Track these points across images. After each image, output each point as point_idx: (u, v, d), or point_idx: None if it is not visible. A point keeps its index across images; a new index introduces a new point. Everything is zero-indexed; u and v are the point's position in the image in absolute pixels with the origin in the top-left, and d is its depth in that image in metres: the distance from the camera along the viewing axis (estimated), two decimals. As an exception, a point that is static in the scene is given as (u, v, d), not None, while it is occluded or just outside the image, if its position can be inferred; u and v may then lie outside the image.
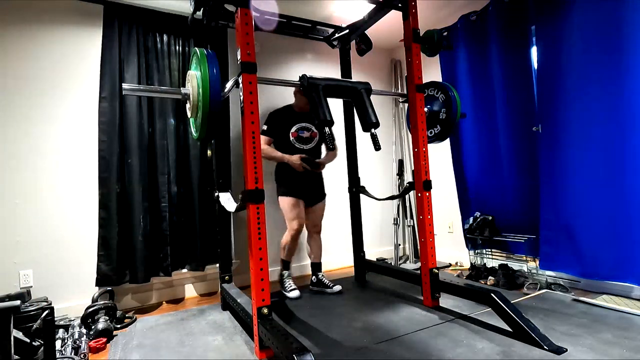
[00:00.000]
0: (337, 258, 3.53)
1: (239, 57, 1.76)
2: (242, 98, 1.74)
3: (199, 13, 2.34)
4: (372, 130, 2.13)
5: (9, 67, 2.39)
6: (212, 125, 1.72)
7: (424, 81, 2.34)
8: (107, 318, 2.18)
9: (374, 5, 2.52)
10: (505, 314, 1.83)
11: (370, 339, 1.84)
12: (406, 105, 2.53)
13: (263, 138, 2.51)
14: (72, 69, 2.57)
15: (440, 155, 3.33)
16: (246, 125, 1.71)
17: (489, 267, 2.90)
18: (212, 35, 2.57)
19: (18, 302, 1.44)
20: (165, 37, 2.80)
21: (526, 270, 2.70)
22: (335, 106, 2.65)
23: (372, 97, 2.21)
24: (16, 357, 1.58)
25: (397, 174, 3.83)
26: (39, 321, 1.68)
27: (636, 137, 2.08)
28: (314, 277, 2.73)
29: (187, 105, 1.84)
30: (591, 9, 2.22)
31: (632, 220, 2.11)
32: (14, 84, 2.40)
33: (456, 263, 3.36)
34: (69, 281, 2.47)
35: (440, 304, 2.26)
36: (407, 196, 3.65)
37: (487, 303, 1.95)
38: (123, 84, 1.78)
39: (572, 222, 2.37)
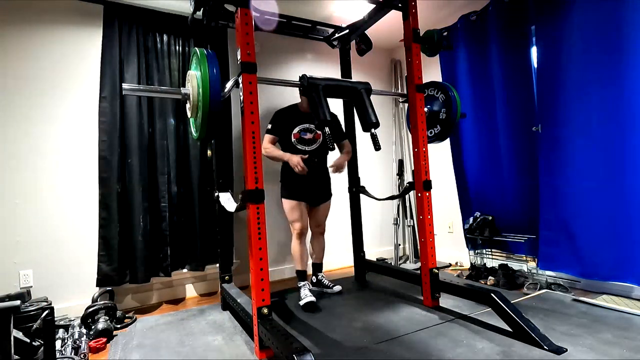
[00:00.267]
0: (337, 258, 3.53)
1: (239, 57, 1.76)
2: (242, 98, 1.74)
3: (199, 13, 2.34)
4: (372, 130, 2.13)
5: (9, 67, 2.39)
6: (212, 125, 1.72)
7: (424, 81, 2.34)
8: (107, 318, 2.18)
9: (374, 5, 2.52)
10: (505, 314, 1.83)
11: (370, 339, 1.84)
12: (406, 105, 2.53)
13: (267, 137, 2.48)
14: (72, 69, 2.57)
15: (440, 155, 3.33)
16: (246, 125, 1.71)
17: (489, 267, 2.90)
18: (212, 35, 2.57)
19: (18, 302, 1.44)
20: (165, 37, 2.80)
21: (526, 270, 2.70)
22: (336, 106, 2.66)
23: (372, 97, 2.21)
24: (16, 357, 1.58)
25: (397, 174, 3.83)
26: (39, 321, 1.68)
27: (636, 137, 2.08)
28: (313, 277, 2.72)
29: (187, 105, 1.84)
30: (591, 9, 2.22)
31: (632, 220, 2.11)
32: (14, 84, 2.40)
33: (456, 263, 3.36)
34: (69, 281, 2.47)
35: (440, 304, 2.26)
36: (407, 196, 3.65)
37: (487, 303, 1.95)
38: (123, 84, 1.78)
39: (571, 222, 2.37)
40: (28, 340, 1.65)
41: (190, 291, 2.93)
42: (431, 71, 3.27)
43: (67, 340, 1.95)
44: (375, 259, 3.54)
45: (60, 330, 2.09)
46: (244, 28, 1.73)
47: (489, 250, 2.93)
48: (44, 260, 2.41)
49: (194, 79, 1.73)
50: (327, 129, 1.98)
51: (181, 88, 1.82)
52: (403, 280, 2.63)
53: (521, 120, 2.66)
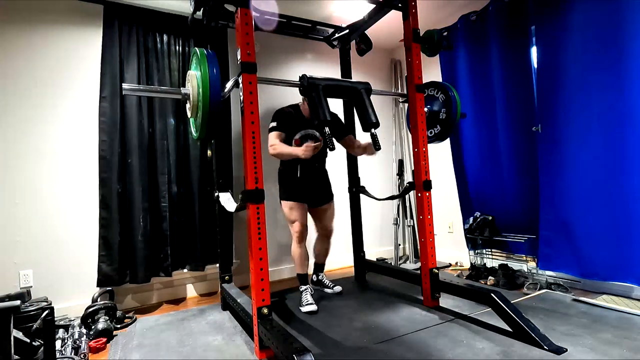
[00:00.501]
0: (337, 258, 3.53)
1: (239, 57, 1.76)
2: (242, 98, 1.74)
3: (199, 13, 2.34)
4: (372, 130, 2.13)
5: (9, 67, 2.39)
6: (212, 125, 1.72)
7: (424, 81, 2.34)
8: (107, 318, 2.18)
9: (374, 5, 2.52)
10: (505, 314, 1.83)
11: (370, 339, 1.84)
12: (406, 105, 2.53)
13: (275, 134, 2.33)
14: (72, 69, 2.57)
15: (440, 155, 3.33)
16: (246, 125, 1.71)
17: (489, 267, 2.90)
18: (212, 35, 2.57)
19: (18, 302, 1.44)
20: (165, 37, 2.80)
21: (526, 270, 2.70)
22: (336, 106, 2.65)
23: (372, 97, 2.20)
24: (16, 357, 1.58)
25: (397, 174, 3.83)
26: (39, 321, 1.68)
27: (636, 137, 2.08)
28: (314, 276, 2.71)
29: (187, 105, 1.84)
30: (591, 9, 2.22)
31: (632, 221, 2.11)
32: (14, 84, 2.40)
33: (456, 263, 3.36)
34: (69, 281, 2.47)
35: (440, 304, 2.26)
36: (407, 196, 3.65)
37: (487, 303, 1.95)
38: (123, 84, 1.78)
39: (571, 222, 2.37)
40: (28, 340, 1.65)
41: (191, 291, 2.93)
42: (431, 71, 3.27)
43: (67, 340, 1.95)
44: (375, 259, 3.54)
45: (60, 330, 2.09)
46: (244, 28, 1.73)
47: (489, 250, 2.93)
48: (44, 260, 2.41)
49: (194, 79, 1.73)
50: (327, 129, 1.98)
51: (181, 88, 1.82)
52: (403, 280, 2.63)
53: (521, 120, 2.66)
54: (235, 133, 2.82)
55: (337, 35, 2.92)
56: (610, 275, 2.22)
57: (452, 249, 3.40)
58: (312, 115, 2.10)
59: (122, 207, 2.56)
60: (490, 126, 2.90)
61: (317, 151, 2.19)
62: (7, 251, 2.32)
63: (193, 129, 1.93)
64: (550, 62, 2.43)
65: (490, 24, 2.83)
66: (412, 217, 3.69)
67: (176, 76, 2.82)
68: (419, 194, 2.28)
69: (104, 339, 2.02)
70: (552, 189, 2.45)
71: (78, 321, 2.17)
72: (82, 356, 1.82)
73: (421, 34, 2.35)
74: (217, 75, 1.69)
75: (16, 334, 1.60)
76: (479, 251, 3.00)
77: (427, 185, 2.26)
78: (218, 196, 2.29)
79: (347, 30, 2.86)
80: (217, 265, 2.64)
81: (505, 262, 2.80)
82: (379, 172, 3.89)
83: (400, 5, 2.36)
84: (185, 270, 2.82)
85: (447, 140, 3.08)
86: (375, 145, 2.14)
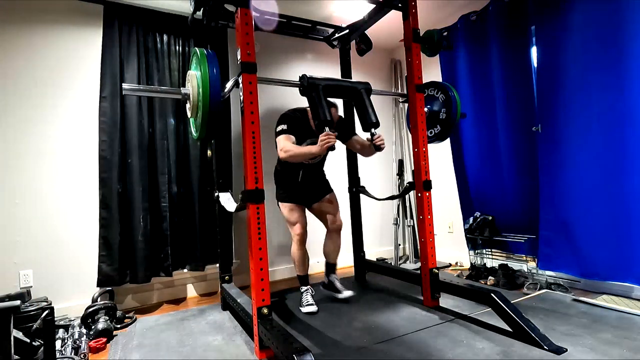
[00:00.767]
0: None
1: (239, 57, 1.76)
2: (242, 98, 1.74)
3: (199, 13, 2.34)
4: (372, 130, 2.13)
5: (9, 67, 2.39)
6: (212, 125, 1.72)
7: (424, 81, 2.34)
8: (107, 318, 2.18)
9: (374, 5, 2.52)
10: (505, 314, 1.83)
11: (370, 339, 1.84)
12: (406, 105, 2.53)
13: (285, 137, 2.20)
14: (72, 69, 2.57)
15: (440, 155, 3.33)
16: (246, 125, 1.71)
17: (489, 267, 2.90)
18: (212, 35, 2.57)
19: (18, 302, 1.44)
20: (165, 37, 2.80)
21: (526, 270, 2.70)
22: (335, 106, 2.65)
23: (372, 97, 2.20)
24: (16, 357, 1.58)
25: (397, 174, 3.83)
26: (39, 321, 1.68)
27: (636, 137, 2.08)
28: (326, 277, 2.62)
29: (187, 105, 1.84)
30: (591, 9, 2.22)
31: (632, 221, 2.11)
32: (14, 84, 2.40)
33: (456, 263, 3.36)
34: (69, 281, 2.47)
35: (440, 304, 2.26)
36: (407, 196, 3.65)
37: (487, 303, 1.95)
38: (123, 84, 1.79)
39: (571, 222, 2.37)
40: (28, 340, 1.65)
41: (191, 291, 2.93)
42: (431, 71, 3.27)
43: (67, 340, 1.95)
44: (375, 259, 3.54)
45: (60, 330, 2.09)
46: (244, 28, 1.73)
47: (489, 250, 2.93)
48: (44, 260, 2.41)
49: (194, 79, 1.73)
50: (327, 129, 1.97)
51: (181, 88, 1.82)
52: (403, 280, 2.63)
53: (521, 120, 2.66)
54: (235, 133, 2.82)
55: (337, 35, 2.92)
56: (610, 275, 2.22)
57: (452, 249, 3.40)
58: (313, 115, 2.08)
59: (122, 207, 2.55)
60: (491, 126, 2.90)
61: (334, 142, 1.97)
62: (7, 251, 2.32)
63: (193, 129, 1.93)
64: (550, 62, 2.43)
65: (490, 24, 2.83)
66: (412, 217, 3.69)
67: (176, 76, 2.82)
68: (419, 194, 2.28)
69: (104, 339, 2.02)
70: (552, 189, 2.45)
71: (78, 321, 2.17)
72: (82, 356, 1.82)
73: (421, 34, 2.35)
74: (217, 75, 1.69)
75: (16, 334, 1.60)
76: (479, 251, 3.00)
77: (427, 185, 2.26)
78: (218, 196, 2.29)
79: (347, 30, 2.86)
80: (217, 265, 2.64)
81: (505, 262, 2.80)
82: (379, 172, 3.88)
83: (400, 5, 2.36)
84: (185, 270, 2.82)
85: (447, 140, 3.08)
86: (375, 145, 2.14)
